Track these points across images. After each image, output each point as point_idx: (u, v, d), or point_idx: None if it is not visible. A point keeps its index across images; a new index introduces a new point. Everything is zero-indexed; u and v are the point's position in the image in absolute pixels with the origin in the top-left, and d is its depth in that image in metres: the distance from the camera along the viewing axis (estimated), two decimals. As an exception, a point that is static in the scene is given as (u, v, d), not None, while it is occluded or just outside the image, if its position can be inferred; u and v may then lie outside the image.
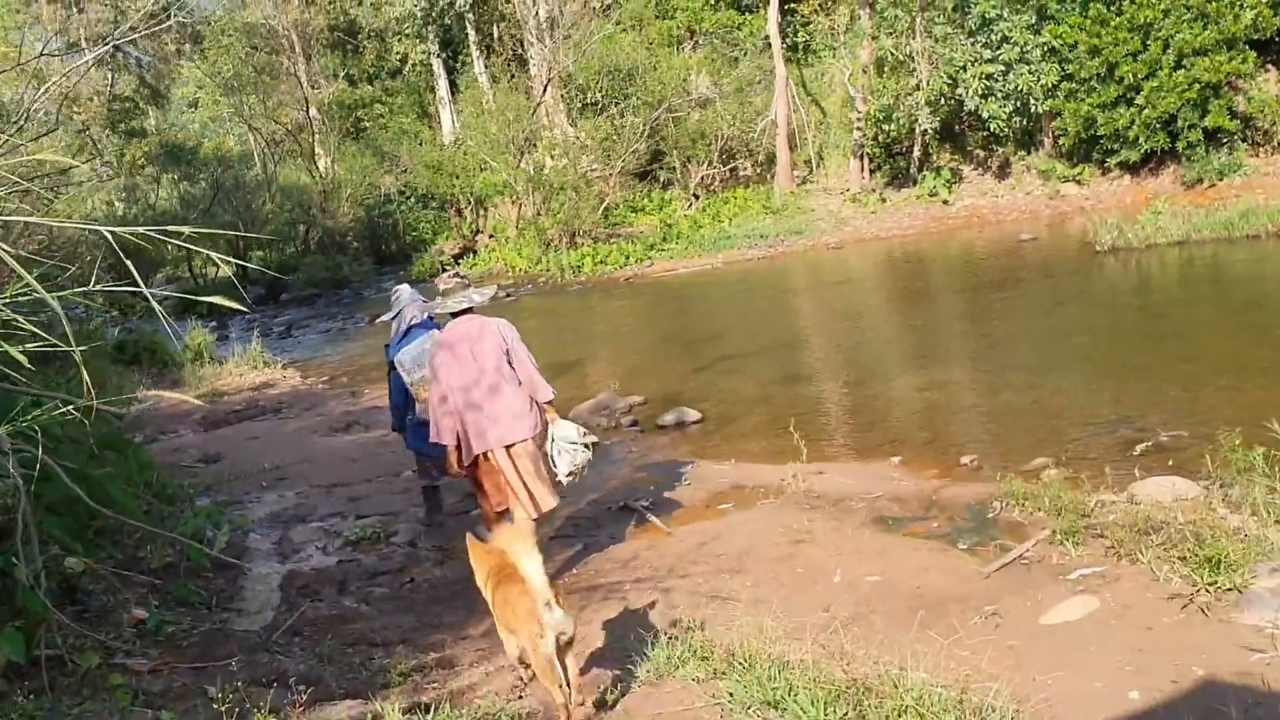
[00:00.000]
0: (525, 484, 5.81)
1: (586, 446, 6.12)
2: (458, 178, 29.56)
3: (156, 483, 8.18)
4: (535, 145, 28.71)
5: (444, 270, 6.74)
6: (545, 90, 28.92)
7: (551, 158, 28.35)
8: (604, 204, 26.89)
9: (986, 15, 22.77)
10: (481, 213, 30.93)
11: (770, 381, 11.63)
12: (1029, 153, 24.65)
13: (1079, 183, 23.16)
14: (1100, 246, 16.41)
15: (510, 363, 5.88)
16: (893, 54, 24.75)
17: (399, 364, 7.00)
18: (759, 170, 29.62)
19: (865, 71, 25.40)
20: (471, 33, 33.48)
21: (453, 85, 34.32)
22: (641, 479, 8.04)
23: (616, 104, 29.01)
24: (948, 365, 11.08)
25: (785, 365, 12.47)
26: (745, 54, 29.31)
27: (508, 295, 23.09)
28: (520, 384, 5.88)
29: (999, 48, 22.75)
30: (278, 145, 38.59)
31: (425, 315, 7.10)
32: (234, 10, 43.38)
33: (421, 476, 7.52)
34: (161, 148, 39.88)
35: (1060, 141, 23.28)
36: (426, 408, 6.30)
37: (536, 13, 29.88)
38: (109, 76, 47.21)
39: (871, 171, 26.60)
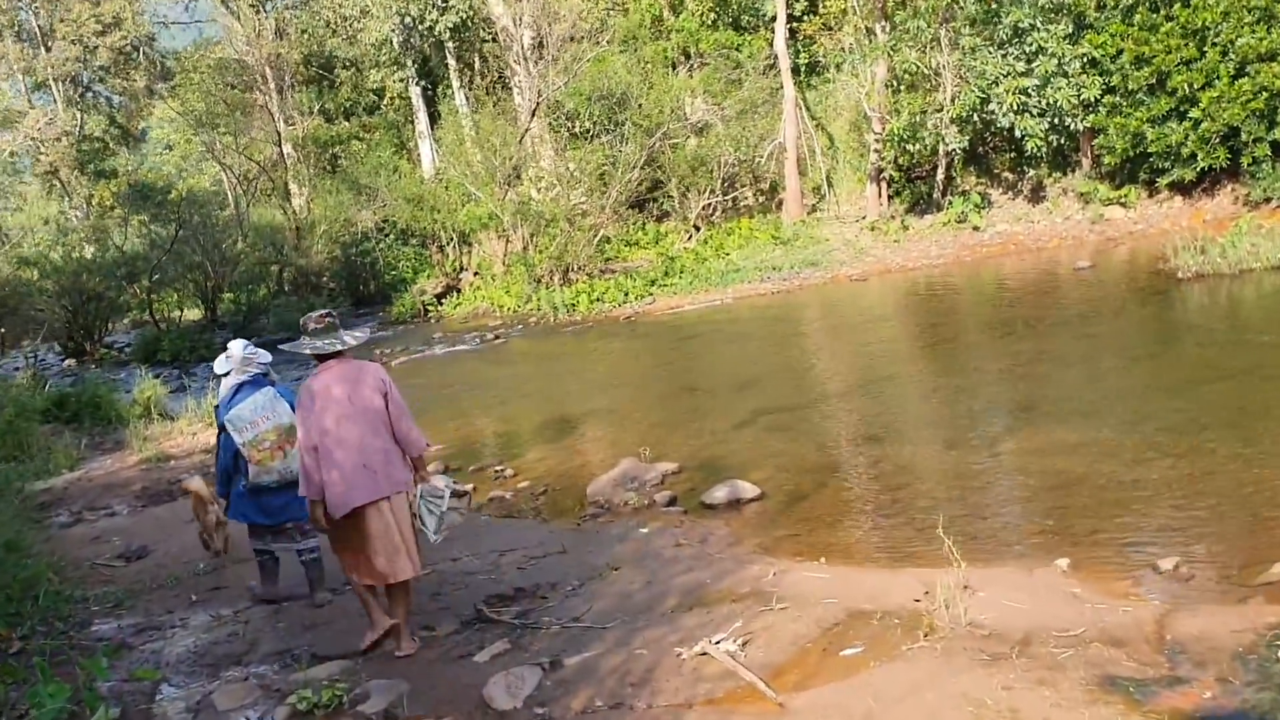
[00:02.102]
0: (393, 545, 5.33)
1: (458, 501, 5.72)
2: (438, 211, 27.38)
3: (39, 604, 5.96)
4: (520, 177, 26.65)
5: (319, 321, 5.62)
6: (533, 116, 26.85)
7: (538, 190, 26.27)
8: (598, 236, 24.76)
9: (1019, 25, 20.82)
10: (465, 249, 28.78)
11: (834, 443, 9.43)
12: (1065, 174, 22.64)
13: (1124, 205, 21.12)
14: (1183, 273, 14.30)
15: (388, 409, 5.41)
16: (916, 69, 22.76)
17: (229, 424, 6.38)
18: (761, 199, 27.64)
19: (885, 89, 23.44)
20: (451, 61, 31.50)
21: (432, 119, 32.32)
22: (707, 595, 5.79)
23: (609, 131, 26.98)
24: (1060, 422, 8.84)
25: (845, 422, 10.27)
26: (747, 75, 27.36)
27: (496, 338, 20.93)
28: (396, 433, 5.44)
29: (1034, 60, 20.78)
30: (251, 183, 36.63)
31: (254, 372, 6.58)
32: (205, 46, 41.70)
33: (253, 542, 6.67)
34: (131, 188, 37.93)
35: (1103, 161, 21.26)
36: (261, 470, 6.26)
37: (521, 37, 27.88)
38: (77, 116, 45.25)
39: (890, 197, 24.59)
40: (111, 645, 5.73)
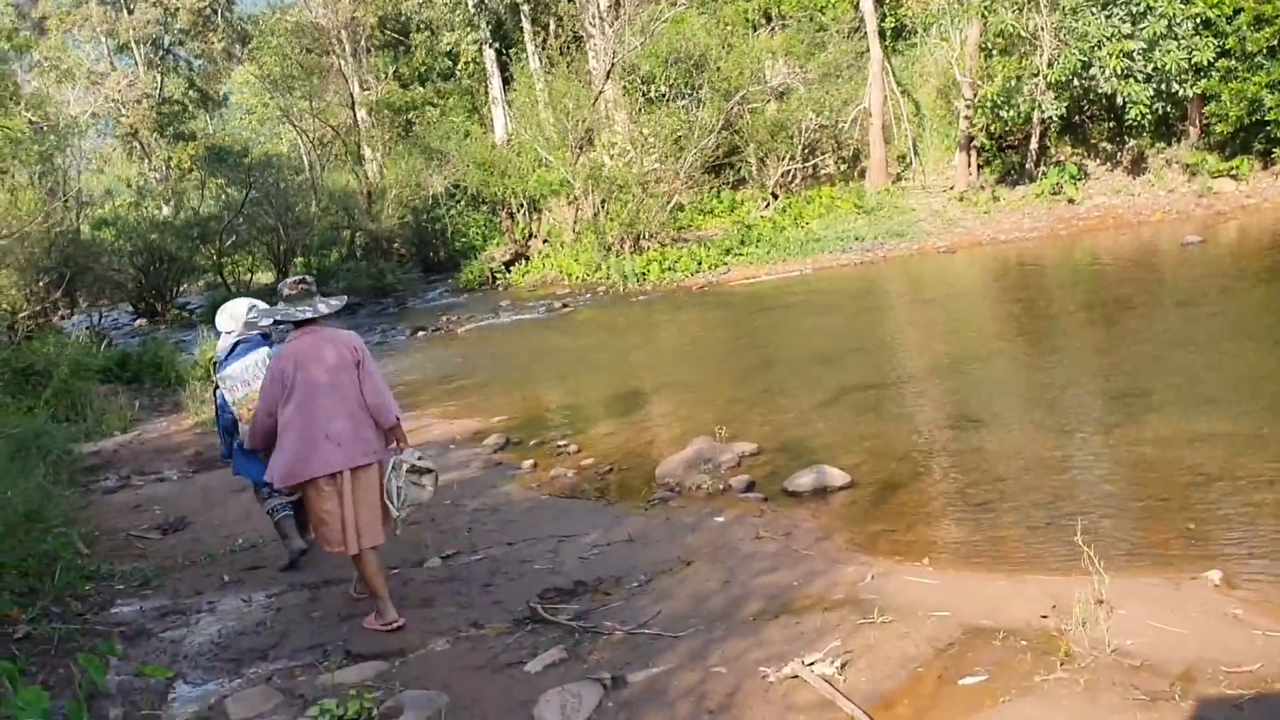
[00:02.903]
0: (357, 515, 5.14)
1: (418, 477, 5.37)
2: (509, 177, 26.75)
3: (56, 581, 5.44)
4: (593, 142, 25.90)
5: (297, 291, 5.47)
6: (607, 79, 26.02)
7: (610, 156, 25.50)
8: (671, 203, 23.94)
9: (1126, -17, 19.51)
10: (535, 216, 28.19)
11: (929, 427, 8.56)
12: (1169, 144, 21.25)
13: (1235, 177, 19.73)
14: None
15: (360, 379, 5.25)
16: (1012, 30, 21.46)
17: (222, 381, 6.33)
18: (843, 167, 26.58)
19: (978, 52, 22.20)
20: (526, 24, 30.78)
21: (505, 84, 31.65)
22: (794, 600, 5.03)
23: (684, 96, 26.07)
24: (1184, 410, 7.86)
25: (939, 403, 9.39)
26: (831, 38, 26.24)
27: (564, 306, 20.30)
28: (367, 403, 5.25)
29: (1141, 21, 19.42)
30: (325, 148, 36.43)
31: (253, 330, 6.31)
32: (282, 10, 41.54)
33: (260, 502, 6.55)
34: (208, 151, 37.99)
35: (1213, 129, 19.86)
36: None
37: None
38: (157, 79, 45.56)
39: (980, 167, 23.39)
40: (127, 632, 5.17)
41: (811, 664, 4.11)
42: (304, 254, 29.63)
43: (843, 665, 4.12)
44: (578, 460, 8.67)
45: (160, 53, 47.71)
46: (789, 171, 26.05)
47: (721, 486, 7.28)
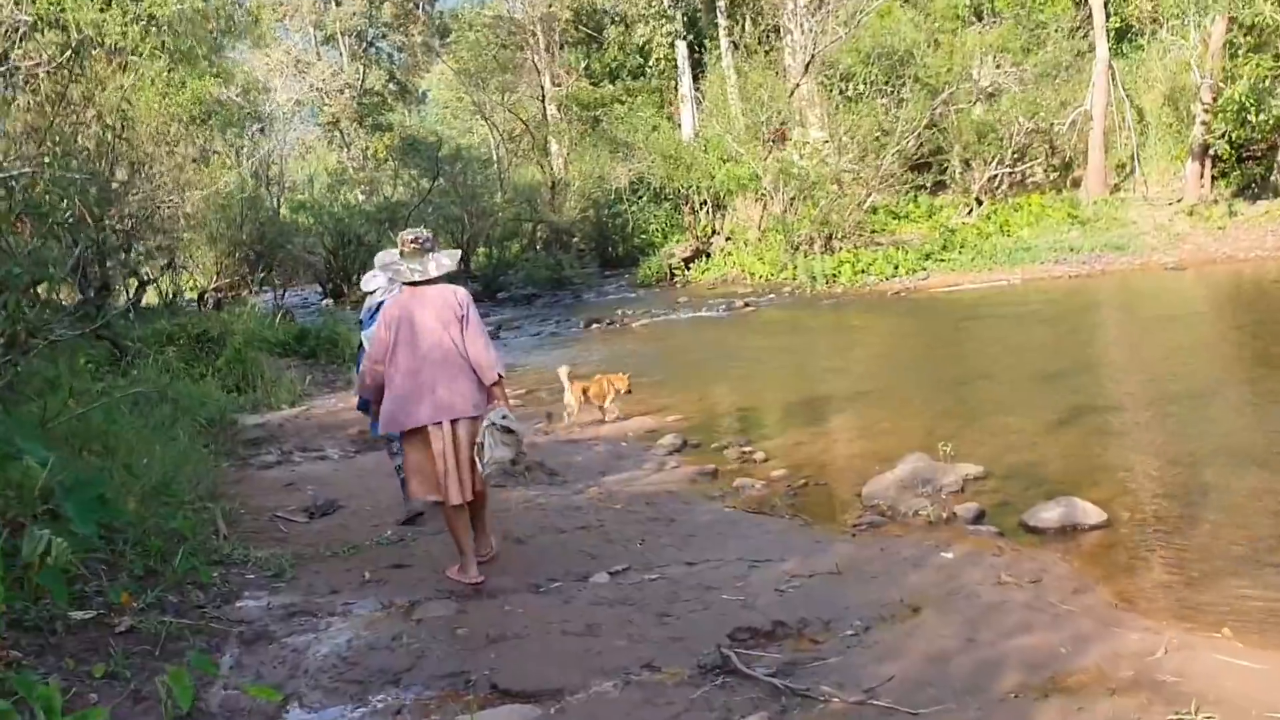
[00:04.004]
0: (457, 466, 5.17)
1: (506, 436, 5.21)
2: (695, 170, 25.88)
3: (178, 568, 4.77)
4: (786, 138, 24.72)
5: (411, 246, 5.34)
6: (805, 72, 24.80)
7: (801, 155, 24.28)
8: (867, 202, 22.57)
9: None
10: (719, 213, 27.27)
11: (1188, 459, 7.10)
12: None
13: None
14: None
15: (465, 334, 5.20)
16: (1271, 22, 19.12)
17: (366, 339, 6.29)
18: (1053, 174, 24.59)
19: (1222, 49, 19.97)
20: (721, 19, 29.86)
21: (695, 80, 30.84)
22: (1065, 674, 3.81)
23: (884, 94, 24.61)
24: None
25: (1197, 432, 7.87)
26: (1050, 35, 24.27)
27: (746, 305, 19.29)
28: (470, 358, 5.21)
29: None
30: (514, 141, 36.55)
31: (397, 288, 5.98)
32: (481, 3, 41.89)
33: (391, 457, 6.76)
34: (403, 141, 38.70)
35: None
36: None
37: (799, -8, 25.84)
38: (360, 70, 46.87)
39: (1214, 179, 21.09)
40: (246, 633, 4.42)
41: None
42: (486, 244, 29.63)
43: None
44: (766, 470, 7.61)
45: (364, 45, 49.04)
46: (995, 176, 24.25)
47: (945, 514, 6.08)
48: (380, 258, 6.02)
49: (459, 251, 5.80)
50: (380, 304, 6.18)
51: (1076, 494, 6.10)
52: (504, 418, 5.21)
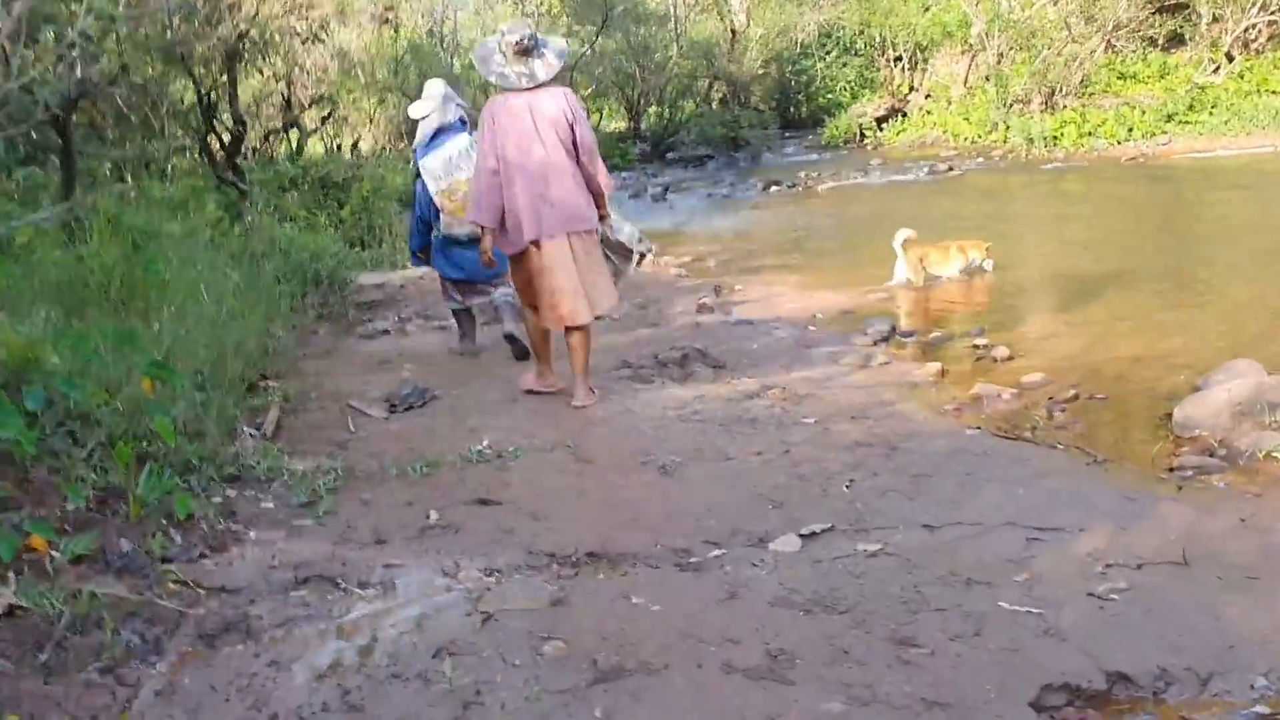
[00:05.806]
0: (573, 285, 4.87)
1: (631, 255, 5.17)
2: (894, 15, 22.89)
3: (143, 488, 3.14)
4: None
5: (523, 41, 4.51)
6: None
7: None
8: (1096, 53, 19.32)
9: None
10: (918, 69, 24.27)
11: None
12: None
13: None
14: None
15: (574, 140, 4.81)
16: None
17: (425, 170, 5.91)
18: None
19: None
20: None
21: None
22: None
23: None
24: None
25: None
26: None
27: (949, 169, 16.85)
28: (580, 166, 4.87)
29: None
30: (695, -1, 33.99)
31: (452, 118, 5.93)
32: None
33: (446, 300, 6.47)
34: (581, -3, 36.67)
35: None
36: (453, 221, 5.87)
37: None
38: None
39: None
40: (210, 623, 2.76)
41: None
42: (658, 103, 27.51)
43: None
44: (1014, 373, 5.52)
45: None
46: (1254, 26, 20.37)
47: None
48: (429, 87, 5.91)
49: (564, 41, 5.29)
50: (437, 130, 5.88)
51: None
52: (639, 238, 5.10)
